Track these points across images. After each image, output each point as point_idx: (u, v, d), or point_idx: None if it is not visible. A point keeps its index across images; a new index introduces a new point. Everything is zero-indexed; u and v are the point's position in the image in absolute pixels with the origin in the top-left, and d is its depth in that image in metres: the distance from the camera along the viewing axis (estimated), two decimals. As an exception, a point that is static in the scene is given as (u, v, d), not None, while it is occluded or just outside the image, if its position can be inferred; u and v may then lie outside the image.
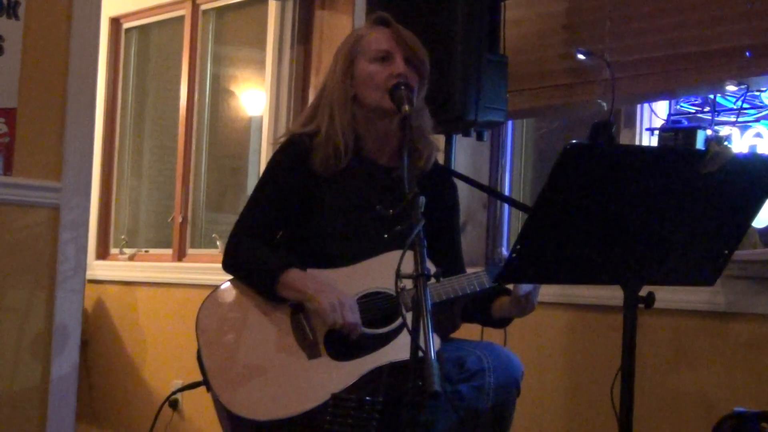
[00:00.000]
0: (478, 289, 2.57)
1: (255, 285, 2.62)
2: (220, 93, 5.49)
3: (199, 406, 4.69)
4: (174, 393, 3.03)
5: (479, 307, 2.71)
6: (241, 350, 2.56)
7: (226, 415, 2.50)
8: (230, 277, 2.68)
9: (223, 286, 2.66)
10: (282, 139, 2.76)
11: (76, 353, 3.75)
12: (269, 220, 2.70)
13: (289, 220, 2.70)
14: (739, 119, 3.38)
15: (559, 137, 4.17)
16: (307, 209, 2.66)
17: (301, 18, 4.68)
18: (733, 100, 3.42)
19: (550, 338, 3.70)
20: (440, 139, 3.57)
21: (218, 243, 5.12)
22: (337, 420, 2.39)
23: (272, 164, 2.75)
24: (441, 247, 2.66)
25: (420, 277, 2.07)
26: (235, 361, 2.55)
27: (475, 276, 2.58)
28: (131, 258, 5.68)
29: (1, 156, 3.58)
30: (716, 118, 3.45)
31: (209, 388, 2.54)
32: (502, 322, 2.76)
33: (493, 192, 3.91)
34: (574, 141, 2.09)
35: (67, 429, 3.72)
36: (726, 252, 2.31)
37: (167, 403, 4.83)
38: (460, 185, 3.03)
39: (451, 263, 2.72)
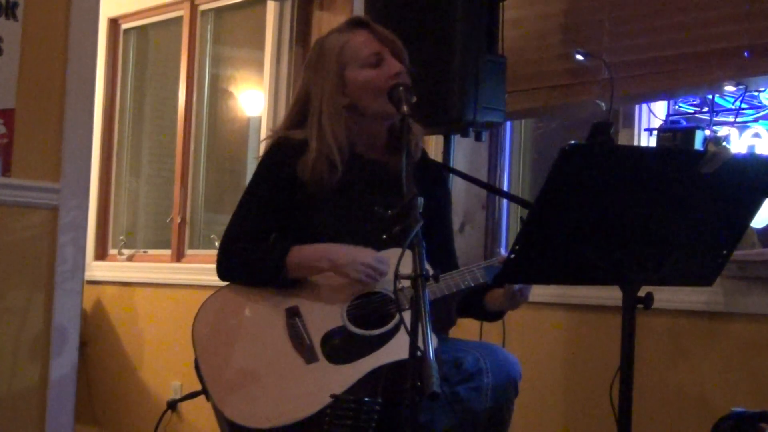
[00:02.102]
0: (472, 285, 2.57)
1: (260, 278, 2.59)
2: (219, 93, 5.49)
3: (197, 408, 4.69)
4: (174, 403, 3.02)
5: (473, 302, 2.71)
6: (239, 358, 2.55)
7: (226, 424, 2.49)
8: (225, 283, 2.67)
9: (216, 294, 2.63)
10: (269, 141, 2.74)
11: (74, 354, 3.74)
12: (260, 224, 2.68)
13: (281, 223, 2.69)
14: (738, 119, 3.38)
15: (557, 138, 4.17)
16: (300, 210, 2.65)
17: (299, 19, 4.68)
18: (732, 100, 3.42)
19: (548, 339, 3.70)
20: (439, 140, 3.58)
21: (217, 243, 5.11)
22: (336, 421, 2.39)
23: (260, 169, 2.73)
24: (434, 242, 2.65)
25: (419, 278, 2.07)
26: (233, 369, 2.53)
27: (469, 271, 2.58)
28: (130, 259, 5.68)
29: (0, 157, 3.57)
30: (714, 119, 3.45)
31: (209, 398, 2.53)
32: (495, 315, 2.76)
33: (491, 188, 3.91)
34: (572, 142, 2.09)
35: (65, 430, 3.71)
36: (724, 252, 2.31)
37: (165, 403, 4.85)
38: (460, 187, 3.03)
39: (444, 259, 2.71)
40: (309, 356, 2.51)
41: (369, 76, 2.64)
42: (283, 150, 2.68)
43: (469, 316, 2.80)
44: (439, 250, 2.68)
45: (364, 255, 2.54)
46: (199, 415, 4.78)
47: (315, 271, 2.57)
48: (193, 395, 2.64)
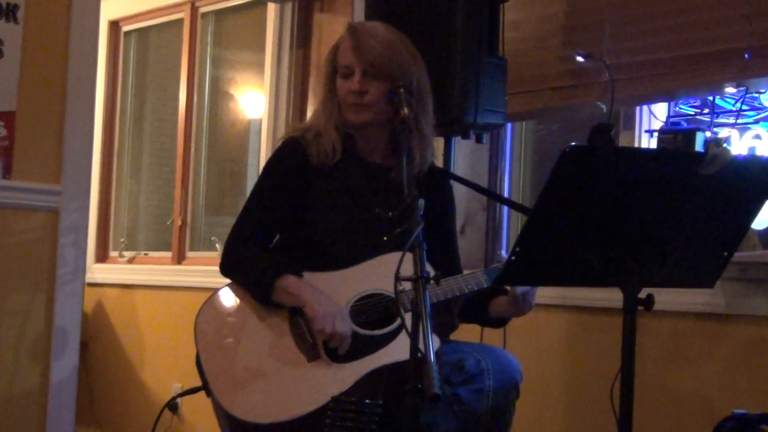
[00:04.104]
0: (475, 289, 2.58)
1: (251, 290, 2.62)
2: (219, 96, 5.49)
3: (198, 409, 4.69)
4: (174, 398, 3.03)
5: (477, 307, 2.72)
6: (240, 354, 2.56)
7: (226, 419, 2.50)
8: (228, 281, 2.68)
9: (220, 291, 2.66)
10: (280, 141, 2.78)
11: (75, 356, 3.74)
12: (266, 223, 2.70)
13: (287, 223, 2.70)
14: (738, 121, 3.38)
15: (558, 139, 4.18)
16: (305, 211, 2.66)
17: (299, 21, 4.68)
18: (732, 101, 3.42)
19: (549, 340, 3.70)
20: (439, 142, 3.58)
21: (217, 246, 5.12)
22: (336, 423, 2.39)
23: (268, 167, 2.76)
24: (438, 248, 2.66)
25: (419, 279, 2.08)
26: (235, 365, 2.55)
27: (472, 276, 2.59)
28: (130, 261, 5.68)
29: (1, 159, 3.57)
30: (715, 120, 3.45)
31: (209, 393, 2.54)
32: (499, 322, 2.77)
33: (491, 194, 3.92)
34: (573, 143, 2.09)
35: (66, 432, 3.72)
36: (725, 254, 2.30)
37: (167, 406, 4.84)
38: (460, 188, 3.03)
39: (448, 264, 2.72)
40: (311, 354, 2.52)
41: (338, 86, 2.69)
42: (291, 146, 2.72)
43: (472, 322, 2.81)
44: (442, 256, 2.69)
45: (338, 321, 2.51)
46: (200, 416, 4.78)
47: (296, 300, 2.57)
48: (193, 391, 2.64)
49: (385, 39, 2.66)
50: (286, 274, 2.57)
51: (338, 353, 2.52)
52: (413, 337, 2.03)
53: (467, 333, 2.96)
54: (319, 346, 2.53)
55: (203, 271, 5.00)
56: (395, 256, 2.09)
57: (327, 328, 2.50)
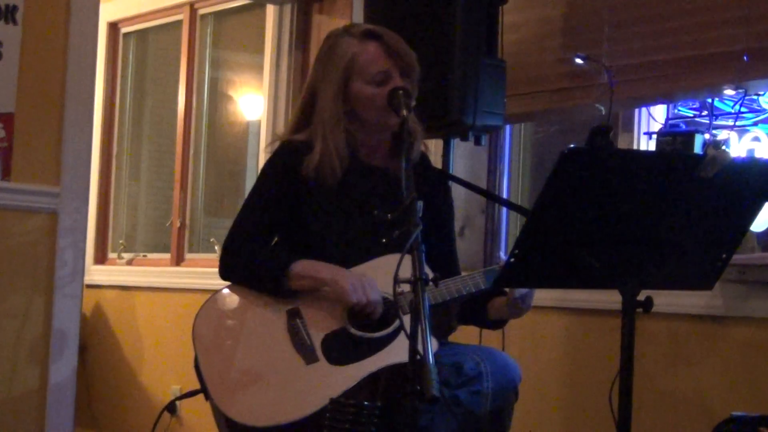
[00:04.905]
0: (474, 291, 2.58)
1: (261, 283, 2.60)
2: (218, 97, 5.49)
3: (197, 411, 4.69)
4: (173, 401, 3.03)
5: (475, 309, 2.72)
6: (239, 357, 2.55)
7: (224, 423, 2.50)
8: (226, 284, 2.68)
9: (219, 293, 2.65)
10: (274, 145, 2.75)
11: (74, 358, 3.74)
12: (264, 226, 2.69)
13: (284, 226, 2.70)
14: (737, 123, 3.39)
15: (557, 141, 4.18)
16: (303, 214, 2.66)
17: (299, 22, 4.69)
18: (731, 104, 3.42)
19: (548, 342, 3.70)
20: (438, 144, 3.58)
21: (216, 247, 5.12)
22: (335, 425, 2.39)
23: (265, 171, 2.74)
24: (436, 249, 2.66)
25: (418, 281, 2.08)
26: (233, 368, 2.54)
27: (470, 278, 2.59)
28: (129, 263, 5.68)
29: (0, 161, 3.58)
30: (714, 122, 3.45)
31: (207, 396, 2.54)
32: (497, 324, 2.77)
33: (490, 196, 3.92)
34: (572, 145, 2.10)
35: (65, 434, 3.72)
36: (724, 256, 2.31)
37: (165, 409, 4.84)
38: (459, 190, 3.03)
39: (446, 266, 2.72)
40: (309, 357, 2.52)
41: (373, 93, 2.63)
42: (288, 151, 2.69)
43: (470, 324, 2.81)
44: (440, 257, 2.68)
45: (368, 289, 2.52)
46: (199, 418, 4.78)
47: (316, 281, 2.57)
48: (191, 394, 2.64)
49: (401, 38, 2.68)
50: (298, 259, 2.57)
51: (372, 320, 2.52)
52: (412, 339, 2.03)
53: (466, 335, 2.96)
54: (317, 349, 2.53)
55: (202, 272, 5.00)
56: (394, 257, 2.09)
57: (362, 300, 2.50)
